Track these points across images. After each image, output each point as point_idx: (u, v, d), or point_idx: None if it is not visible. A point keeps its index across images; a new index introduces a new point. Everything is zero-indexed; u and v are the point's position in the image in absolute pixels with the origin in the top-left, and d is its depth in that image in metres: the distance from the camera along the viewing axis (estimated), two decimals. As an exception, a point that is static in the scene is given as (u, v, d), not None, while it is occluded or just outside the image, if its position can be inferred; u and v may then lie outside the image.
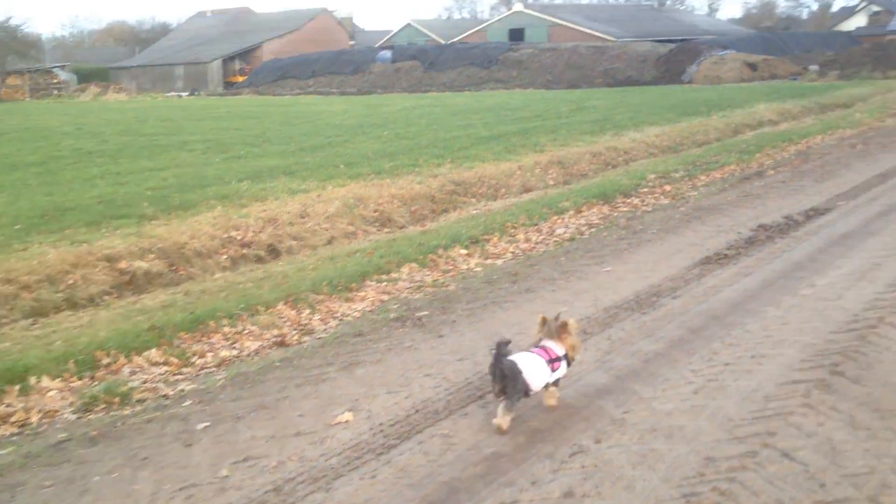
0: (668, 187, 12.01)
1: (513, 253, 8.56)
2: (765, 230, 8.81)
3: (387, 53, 54.90)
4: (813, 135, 16.74)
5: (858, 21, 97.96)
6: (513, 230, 9.42)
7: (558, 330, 4.53)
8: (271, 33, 67.31)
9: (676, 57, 50.44)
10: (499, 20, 69.87)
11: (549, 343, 4.52)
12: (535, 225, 9.71)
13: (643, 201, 11.13)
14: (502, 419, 4.28)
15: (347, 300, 7.03)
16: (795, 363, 5.01)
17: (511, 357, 4.29)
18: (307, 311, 6.72)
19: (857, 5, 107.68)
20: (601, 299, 6.71)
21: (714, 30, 74.96)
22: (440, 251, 8.41)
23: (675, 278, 7.19)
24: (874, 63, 40.92)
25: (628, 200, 11.19)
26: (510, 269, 7.86)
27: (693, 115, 23.32)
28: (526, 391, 4.31)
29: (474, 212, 11.39)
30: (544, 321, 4.60)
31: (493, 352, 4.28)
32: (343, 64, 54.58)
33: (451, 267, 8.02)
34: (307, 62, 56.03)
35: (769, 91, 31.51)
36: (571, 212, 10.46)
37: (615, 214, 10.37)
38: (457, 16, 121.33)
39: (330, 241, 10.25)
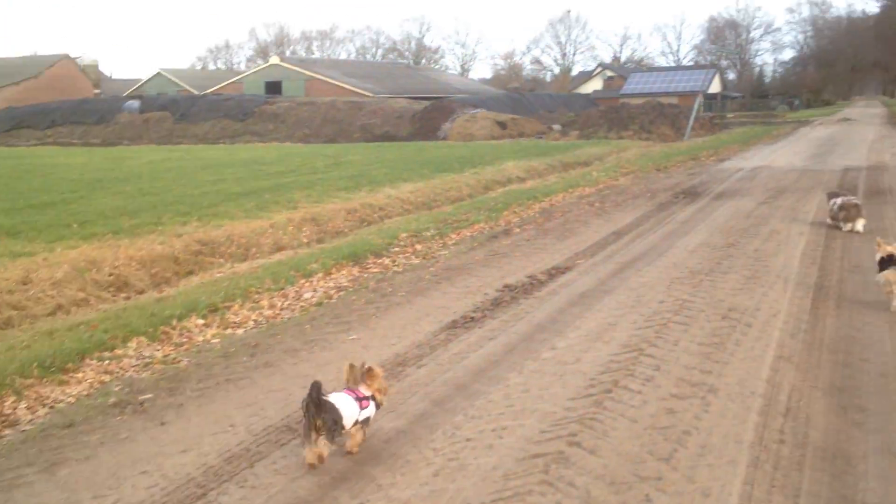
0: (419, 246, 12.01)
1: (255, 321, 8.06)
2: (510, 290, 8.91)
3: (134, 103, 52.32)
4: (556, 193, 17.56)
5: (595, 84, 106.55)
6: (257, 295, 8.92)
7: (364, 376, 4.91)
8: (6, 80, 62.34)
9: (431, 114, 52.03)
10: (255, 72, 69.14)
11: (355, 387, 4.87)
12: (282, 289, 9.27)
13: (394, 261, 11.01)
14: (324, 449, 4.58)
15: (61, 383, 6.24)
16: (535, 435, 4.92)
17: (327, 397, 4.58)
18: (12, 399, 5.86)
19: (594, 70, 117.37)
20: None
21: (466, 89, 78.33)
22: (174, 322, 7.76)
23: (421, 345, 7.02)
24: (609, 124, 44.27)
25: (379, 261, 11.03)
26: (250, 341, 7.35)
27: (447, 171, 23.88)
28: (341, 426, 4.62)
29: (219, 275, 10.75)
30: (351, 368, 4.97)
31: (310, 393, 4.49)
32: (86, 113, 51.30)
33: (185, 339, 7.39)
34: (46, 111, 52.19)
35: (517, 149, 33.11)
36: (320, 274, 10.12)
37: (365, 276, 10.15)
38: (211, 66, 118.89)
39: (55, 311, 9.24)
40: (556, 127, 50.24)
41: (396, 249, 11.76)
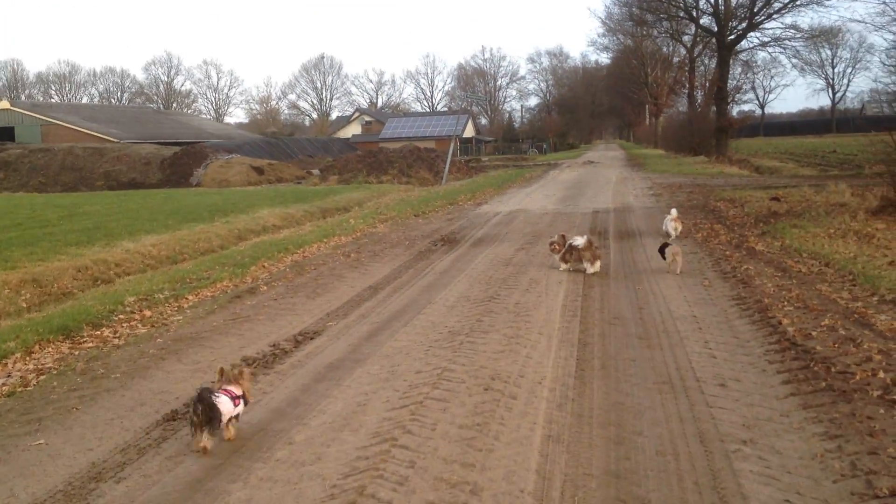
0: (148, 312, 10.47)
1: (-90, 429, 6.29)
2: (248, 365, 7.69)
3: None
4: (310, 243, 16.48)
5: (354, 129, 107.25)
6: (-78, 391, 7.10)
7: (237, 377, 5.85)
8: None
9: (182, 160, 49.50)
10: (-17, 116, 62.91)
11: (228, 387, 5.72)
12: (-40, 379, 7.47)
13: (116, 332, 9.44)
14: (207, 442, 5.46)
15: None
16: (257, 581, 3.77)
17: (209, 394, 5.46)
18: None
19: (352, 115, 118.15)
20: (19, 495, 4.90)
21: (221, 133, 76.00)
22: None
23: (127, 448, 5.65)
24: (368, 168, 43.94)
25: (97, 332, 9.41)
26: None
27: (196, 220, 22.19)
28: (219, 420, 5.48)
29: None
30: (222, 371, 5.87)
31: (199, 394, 5.44)
32: None
33: None
34: None
35: (274, 195, 31.77)
36: (18, 354, 8.38)
37: (76, 353, 8.52)
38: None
39: None
40: (316, 172, 49.39)
41: (121, 317, 10.17)
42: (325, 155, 67.64)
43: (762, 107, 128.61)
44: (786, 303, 9.13)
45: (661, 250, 11.94)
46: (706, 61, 70.48)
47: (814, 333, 7.71)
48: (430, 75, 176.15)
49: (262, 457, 5.32)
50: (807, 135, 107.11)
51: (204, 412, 5.40)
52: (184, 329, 9.49)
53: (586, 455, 5.14)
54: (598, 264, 11.76)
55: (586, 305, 9.61)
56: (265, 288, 11.92)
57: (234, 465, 5.23)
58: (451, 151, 39.68)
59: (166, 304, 10.99)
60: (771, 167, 40.11)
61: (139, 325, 9.81)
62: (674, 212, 15.70)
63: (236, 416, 5.76)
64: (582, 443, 5.34)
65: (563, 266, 11.97)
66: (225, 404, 5.56)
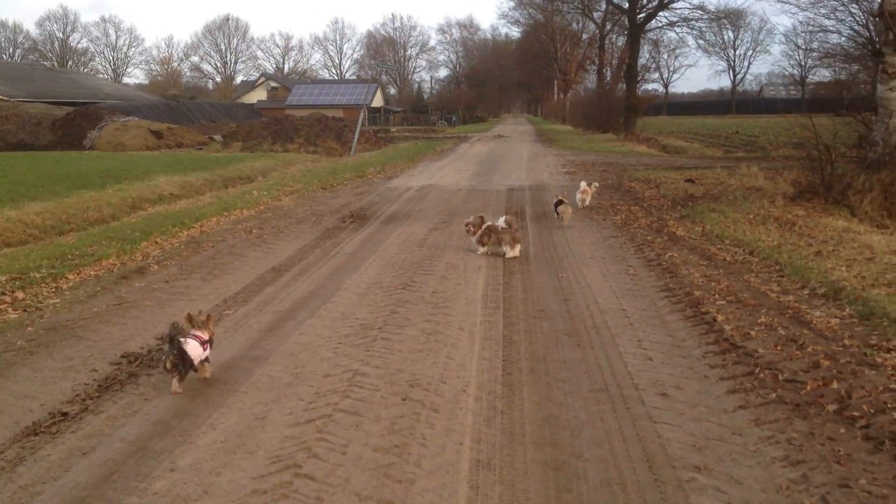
0: (21, 294, 9.31)
1: None
2: (130, 362, 6.73)
3: None
4: (209, 216, 15.34)
5: (260, 95, 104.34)
6: None
7: (204, 322, 6.24)
8: None
9: (76, 121, 46.96)
10: None
11: (197, 332, 6.10)
12: None
13: (-22, 319, 8.29)
14: (177, 387, 5.96)
15: None
16: None
17: (179, 340, 5.86)
18: None
19: (258, 80, 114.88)
20: None
21: (119, 94, 72.69)
22: None
23: (-30, 476, 4.67)
24: (274, 136, 42.39)
25: (-44, 319, 8.24)
26: None
27: (87, 187, 20.71)
28: (191, 365, 5.97)
29: None
30: (190, 317, 6.19)
31: (169, 336, 5.91)
32: None
33: None
34: None
35: (173, 161, 30.19)
36: None
37: (-73, 346, 7.37)
38: None
39: None
40: (218, 138, 47.56)
41: (-13, 300, 8.99)
42: (229, 120, 65.36)
43: (666, 86, 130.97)
44: (717, 296, 8.64)
45: (556, 207, 14.34)
46: (615, 39, 71.03)
47: (752, 333, 7.21)
48: (338, 42, 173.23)
49: (137, 491, 4.42)
50: (707, 115, 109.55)
51: (175, 358, 5.82)
52: (60, 315, 8.41)
53: (522, 486, 4.44)
54: (518, 248, 11.12)
55: (508, 296, 8.92)
56: (156, 267, 10.84)
57: (104, 500, 4.33)
58: (360, 121, 38.56)
59: (42, 285, 9.83)
60: (677, 146, 40.39)
61: (9, 310, 8.68)
62: (582, 184, 16.71)
63: (206, 359, 6.20)
64: (516, 469, 4.64)
65: (482, 249, 11.29)
66: (194, 348, 5.97)
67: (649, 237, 12.53)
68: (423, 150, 37.93)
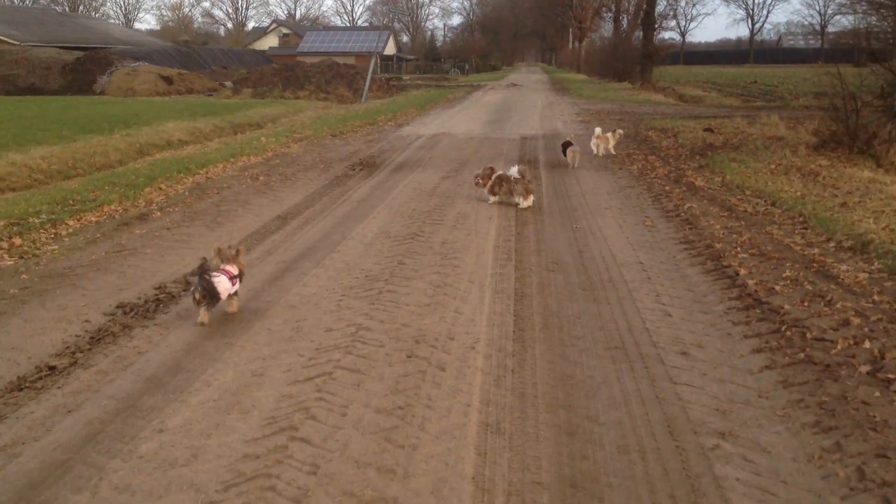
0: (18, 240, 9.02)
1: None
2: (125, 313, 6.45)
3: None
4: (215, 162, 14.97)
5: (271, 41, 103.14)
6: None
7: (234, 256, 6.34)
8: None
9: (85, 66, 46.39)
10: None
11: (227, 266, 6.23)
12: None
13: (-28, 266, 8.01)
14: (205, 317, 6.08)
15: None
16: None
17: (208, 275, 5.95)
18: None
19: (269, 26, 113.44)
20: None
21: (130, 40, 71.72)
22: None
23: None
24: (284, 83, 41.80)
25: (-52, 266, 7.97)
26: None
27: (94, 132, 20.37)
28: (218, 298, 6.04)
29: None
30: (219, 251, 6.31)
31: (199, 270, 6.01)
32: None
33: None
34: None
35: (183, 107, 29.72)
36: None
37: (-84, 294, 7.10)
38: None
39: None
40: (229, 84, 46.91)
41: (-17, 246, 8.70)
42: (240, 67, 64.65)
43: (682, 35, 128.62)
44: (738, 248, 8.26)
45: (563, 149, 14.69)
46: (633, -15, 69.36)
47: (777, 288, 6.85)
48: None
49: (125, 454, 4.12)
50: (725, 65, 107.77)
51: (204, 291, 5.95)
52: (56, 262, 8.12)
53: (533, 453, 4.13)
54: (531, 198, 10.74)
55: (521, 247, 8.57)
56: (159, 214, 10.52)
57: (84, 466, 4.05)
58: (371, 69, 37.88)
59: (41, 231, 9.54)
60: (694, 96, 39.58)
61: (5, 256, 8.39)
62: (597, 130, 16.36)
63: (235, 293, 6.32)
64: (527, 434, 4.33)
65: (493, 199, 10.91)
66: (223, 283, 6.08)
67: (667, 187, 12.11)
68: (435, 99, 37.29)
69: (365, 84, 36.99)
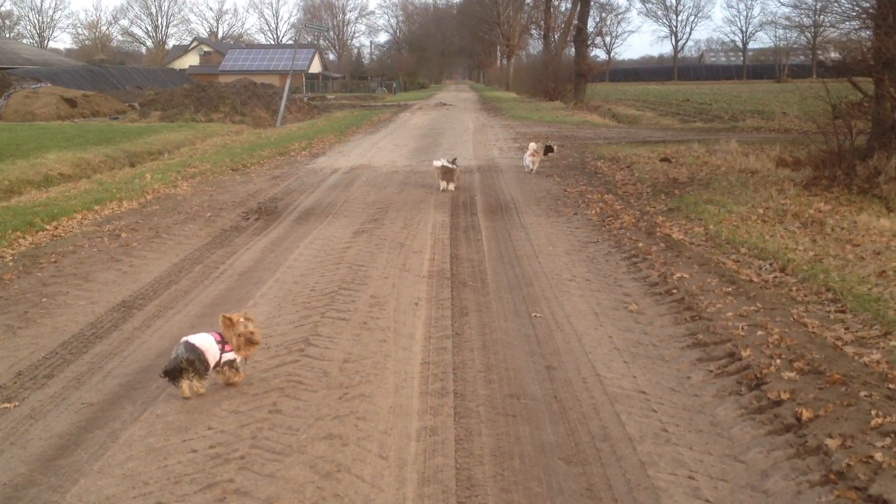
0: None
1: None
2: None
3: None
4: (72, 212, 11.88)
5: (192, 60, 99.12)
6: None
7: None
8: None
9: (-21, 88, 42.36)
10: None
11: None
12: None
13: None
14: (185, 388, 5.13)
15: None
16: None
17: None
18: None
19: (190, 44, 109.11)
20: None
21: (40, 60, 67.31)
22: None
23: None
24: (197, 104, 38.50)
25: None
26: None
27: (-45, 167, 17.12)
28: (206, 365, 5.13)
29: None
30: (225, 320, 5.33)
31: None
32: None
33: None
34: None
35: (78, 133, 26.30)
36: None
37: None
38: None
39: None
40: (137, 106, 43.36)
41: None
42: (157, 87, 60.77)
43: (609, 53, 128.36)
44: (775, 358, 5.66)
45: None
46: (559, 3, 67.95)
47: (876, 455, 4.25)
48: (274, 5, 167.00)
49: None
50: (650, 81, 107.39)
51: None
52: None
53: None
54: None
55: (461, 362, 5.80)
56: (-46, 303, 7.50)
57: None
58: (286, 89, 34.91)
59: None
60: (629, 115, 37.66)
61: None
62: (532, 145, 16.46)
63: (229, 363, 5.24)
64: None
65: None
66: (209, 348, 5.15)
67: (640, 243, 9.55)
68: (358, 121, 34.45)
69: (280, 107, 33.97)
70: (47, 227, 10.95)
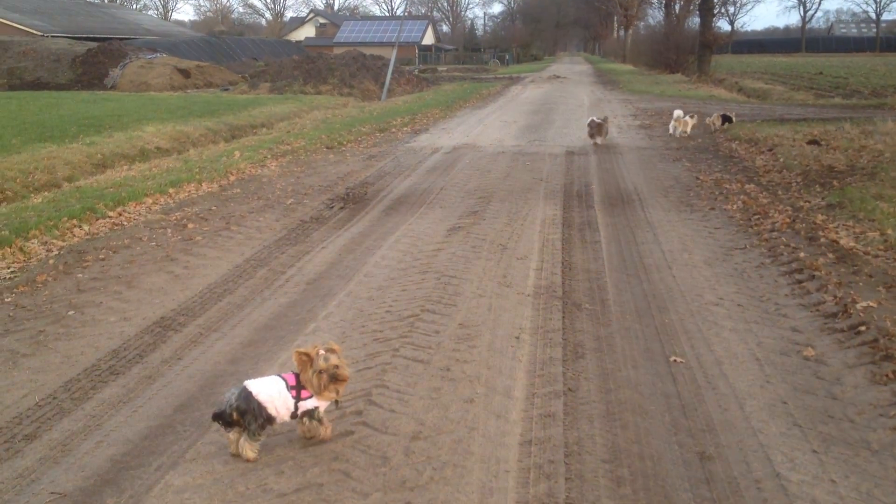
0: None
1: None
2: None
3: None
4: (141, 196, 10.73)
5: (308, 31, 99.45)
6: None
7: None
8: None
9: (97, 58, 42.60)
10: None
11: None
12: None
13: None
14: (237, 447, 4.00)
15: None
16: None
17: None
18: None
19: (307, 16, 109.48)
20: None
21: (160, 31, 68.54)
22: None
23: None
24: (305, 76, 37.67)
25: None
26: None
27: (53, 139, 16.55)
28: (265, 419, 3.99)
29: None
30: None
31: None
32: None
33: None
34: None
35: (184, 104, 25.70)
36: None
37: None
38: None
39: None
40: (248, 77, 42.93)
41: None
42: (273, 58, 60.62)
43: (731, 23, 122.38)
44: None
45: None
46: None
47: None
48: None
49: None
50: (776, 53, 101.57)
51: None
52: None
53: None
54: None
55: (573, 443, 4.17)
56: (-31, 314, 6.31)
57: None
58: (392, 61, 33.56)
59: None
60: (758, 89, 34.74)
61: None
62: (677, 112, 16.52)
63: (309, 413, 4.06)
64: None
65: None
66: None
67: (801, 252, 7.64)
68: (466, 94, 32.79)
69: (386, 80, 32.65)
70: (110, 213, 9.80)
